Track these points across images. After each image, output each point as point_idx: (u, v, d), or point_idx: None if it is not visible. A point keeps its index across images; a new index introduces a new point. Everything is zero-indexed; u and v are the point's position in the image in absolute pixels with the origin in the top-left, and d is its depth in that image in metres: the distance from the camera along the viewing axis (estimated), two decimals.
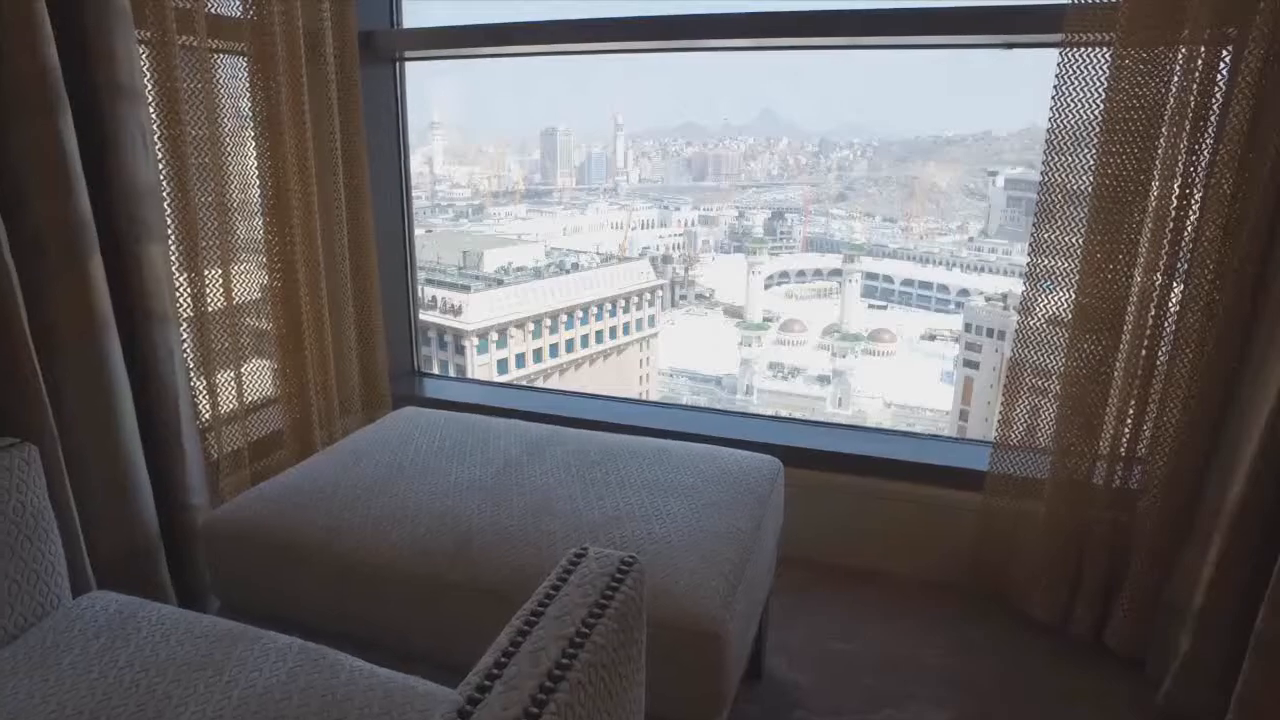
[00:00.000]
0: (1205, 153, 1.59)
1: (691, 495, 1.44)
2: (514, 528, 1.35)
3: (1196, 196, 1.61)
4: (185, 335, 1.80)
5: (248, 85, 1.90)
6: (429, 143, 41.87)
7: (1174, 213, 1.63)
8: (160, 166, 1.71)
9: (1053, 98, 1.59)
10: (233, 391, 1.98)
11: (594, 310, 27.13)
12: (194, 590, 1.70)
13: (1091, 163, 1.62)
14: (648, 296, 28.83)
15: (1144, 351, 1.75)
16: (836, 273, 37.40)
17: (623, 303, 27.94)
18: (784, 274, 40.28)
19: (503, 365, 24.74)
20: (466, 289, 24.67)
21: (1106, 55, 1.53)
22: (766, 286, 37.26)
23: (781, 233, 40.48)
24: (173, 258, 1.74)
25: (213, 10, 1.79)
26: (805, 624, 2.01)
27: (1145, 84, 1.52)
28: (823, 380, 34.17)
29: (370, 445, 1.65)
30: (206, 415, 1.89)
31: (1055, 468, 1.85)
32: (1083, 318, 1.73)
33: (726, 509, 1.41)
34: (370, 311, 2.28)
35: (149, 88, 1.69)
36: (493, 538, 1.33)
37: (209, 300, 1.86)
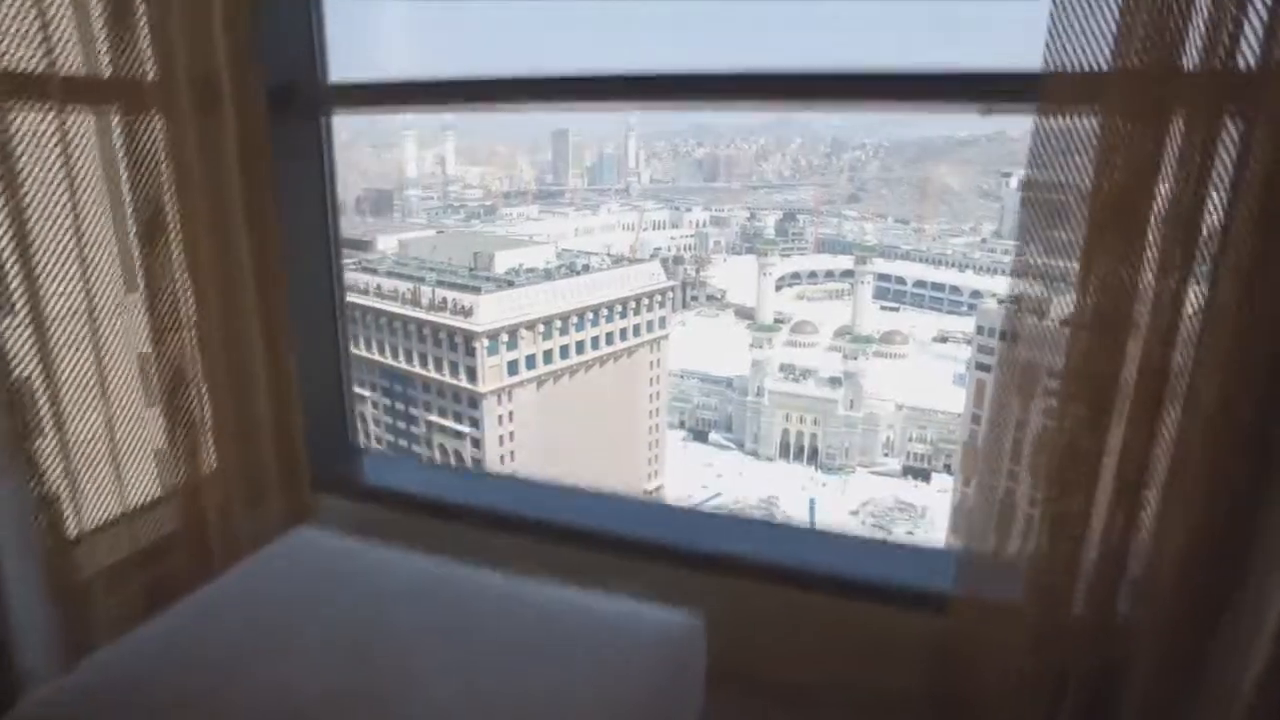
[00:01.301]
0: (1210, 233, 1.35)
1: (584, 683, 1.21)
2: None
3: (1199, 300, 1.37)
4: (44, 437, 1.58)
5: (121, 147, 1.68)
6: (441, 143, 42.00)
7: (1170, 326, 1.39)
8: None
9: (1028, 164, 1.37)
10: (110, 493, 1.76)
11: (604, 312, 27.05)
12: None
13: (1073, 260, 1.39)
14: (658, 298, 28.74)
15: (1144, 441, 1.50)
16: (848, 274, 37.27)
17: (633, 304, 27.85)
18: (795, 275, 40.16)
19: (513, 367, 24.72)
20: (477, 290, 24.63)
21: (1094, 126, 1.30)
22: (778, 288, 37.17)
23: (793, 234, 40.38)
24: (20, 349, 1.52)
25: (73, 70, 1.57)
26: None
27: (1137, 158, 1.29)
28: (834, 382, 34.02)
29: (233, 597, 1.42)
30: (73, 530, 1.67)
31: (1029, 589, 1.61)
32: (1067, 404, 1.50)
33: (624, 705, 1.19)
34: (285, 390, 2.05)
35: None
36: None
37: (71, 395, 1.63)
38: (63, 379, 1.59)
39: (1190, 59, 1.22)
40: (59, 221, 1.55)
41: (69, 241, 1.57)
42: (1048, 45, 1.27)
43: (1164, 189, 1.31)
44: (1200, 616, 1.45)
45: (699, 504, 31.87)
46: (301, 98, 2.05)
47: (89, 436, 1.64)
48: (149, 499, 1.78)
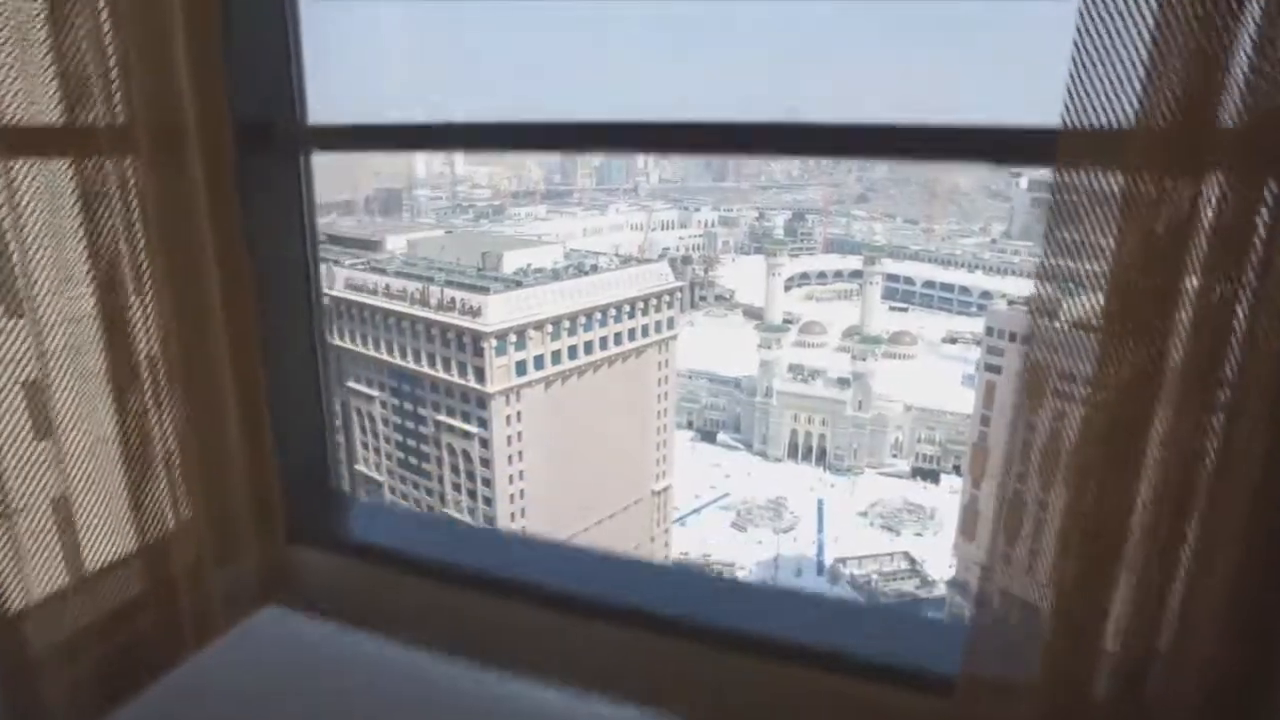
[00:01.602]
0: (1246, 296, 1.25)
1: None
2: None
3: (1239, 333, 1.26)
4: None
5: (76, 195, 1.59)
6: None
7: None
8: None
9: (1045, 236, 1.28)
10: (64, 556, 1.65)
11: (612, 312, 27.01)
12: None
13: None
14: (666, 298, 28.68)
15: (1173, 497, 1.39)
16: (857, 274, 37.16)
17: (642, 305, 27.81)
18: (804, 275, 40.07)
19: (521, 367, 24.70)
20: (485, 290, 24.62)
21: (1116, 184, 1.21)
22: (786, 288, 37.06)
23: (802, 234, 40.32)
24: None
25: (20, 120, 1.48)
26: None
27: (1165, 219, 1.19)
28: (842, 383, 33.92)
29: (195, 691, 1.33)
30: (19, 601, 1.56)
31: (1045, 665, 1.51)
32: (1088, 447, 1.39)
33: None
34: (258, 437, 1.96)
35: None
36: None
37: (16, 449, 1.53)
38: (6, 431, 1.50)
39: (1227, 115, 1.13)
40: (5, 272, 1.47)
41: (17, 293, 1.49)
42: (1066, 104, 1.17)
43: (1199, 243, 1.21)
44: (1242, 700, 1.34)
45: (689, 511, 31.78)
46: (279, 137, 1.97)
47: (38, 491, 1.55)
48: (109, 560, 1.68)
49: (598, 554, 2.05)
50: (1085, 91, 1.15)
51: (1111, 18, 1.10)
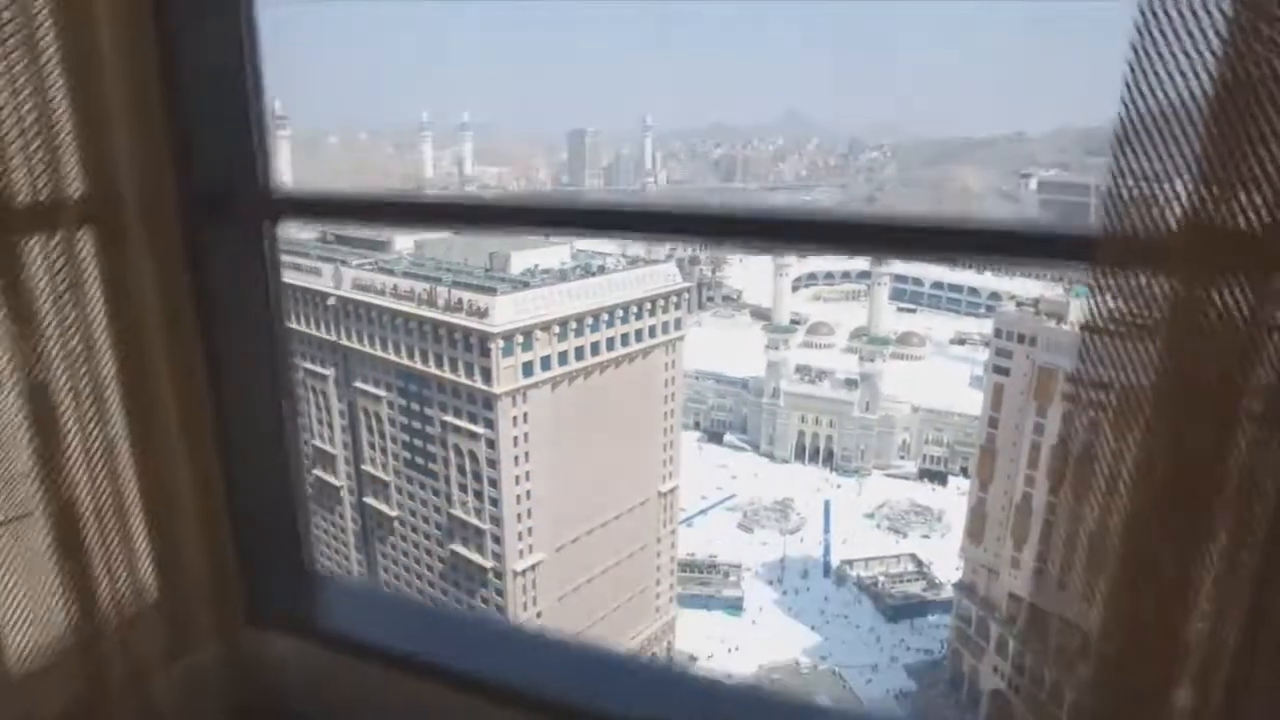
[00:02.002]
0: None
1: None
2: None
3: None
4: None
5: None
6: (459, 144, 41.76)
7: None
8: None
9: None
10: None
11: (619, 313, 26.93)
12: None
13: None
14: (674, 299, 28.57)
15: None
16: (865, 275, 36.99)
17: (649, 305, 27.72)
18: (812, 276, 39.92)
19: (528, 368, 24.63)
20: (493, 291, 24.56)
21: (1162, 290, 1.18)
22: (794, 288, 36.87)
23: None
24: None
25: None
26: None
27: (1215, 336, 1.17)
28: (850, 384, 33.79)
29: None
30: None
31: None
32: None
33: None
34: (212, 518, 1.77)
35: None
36: None
37: None
38: None
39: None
40: None
41: None
42: (1108, 208, 1.15)
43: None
44: None
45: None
46: (240, 206, 1.87)
47: None
48: (29, 664, 1.45)
49: (600, 654, 1.97)
50: (1127, 191, 1.14)
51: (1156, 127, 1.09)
